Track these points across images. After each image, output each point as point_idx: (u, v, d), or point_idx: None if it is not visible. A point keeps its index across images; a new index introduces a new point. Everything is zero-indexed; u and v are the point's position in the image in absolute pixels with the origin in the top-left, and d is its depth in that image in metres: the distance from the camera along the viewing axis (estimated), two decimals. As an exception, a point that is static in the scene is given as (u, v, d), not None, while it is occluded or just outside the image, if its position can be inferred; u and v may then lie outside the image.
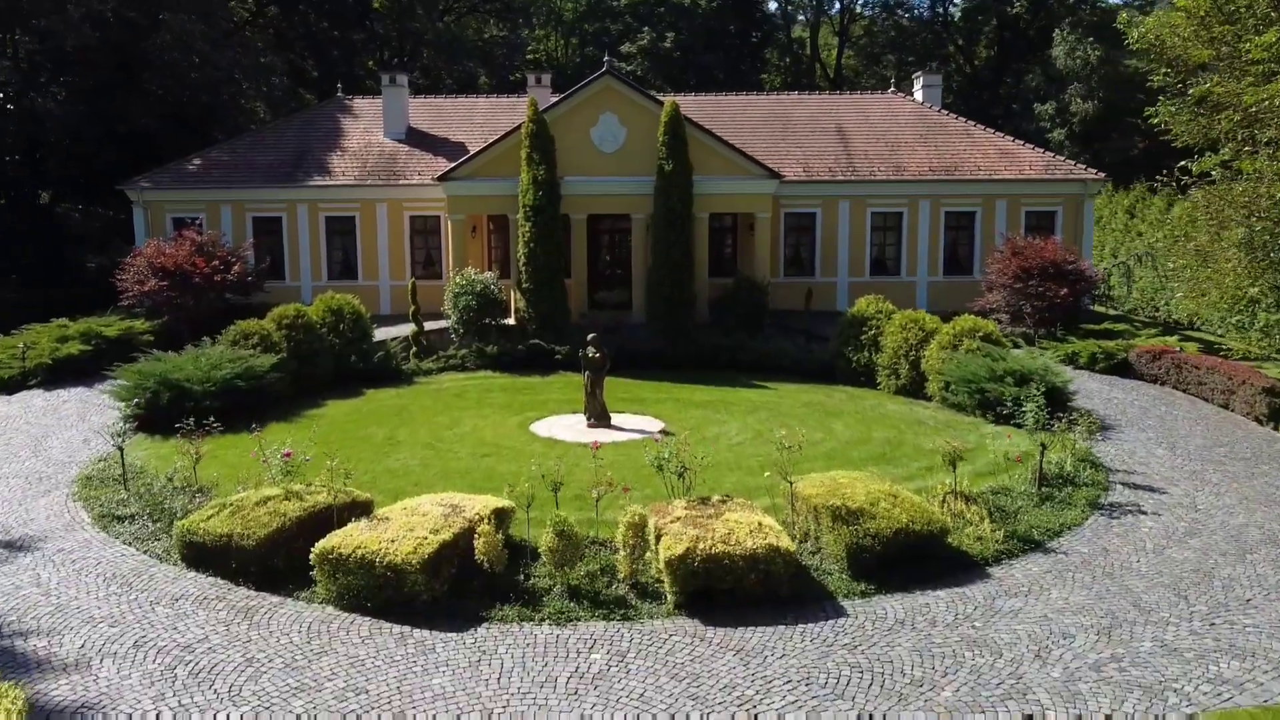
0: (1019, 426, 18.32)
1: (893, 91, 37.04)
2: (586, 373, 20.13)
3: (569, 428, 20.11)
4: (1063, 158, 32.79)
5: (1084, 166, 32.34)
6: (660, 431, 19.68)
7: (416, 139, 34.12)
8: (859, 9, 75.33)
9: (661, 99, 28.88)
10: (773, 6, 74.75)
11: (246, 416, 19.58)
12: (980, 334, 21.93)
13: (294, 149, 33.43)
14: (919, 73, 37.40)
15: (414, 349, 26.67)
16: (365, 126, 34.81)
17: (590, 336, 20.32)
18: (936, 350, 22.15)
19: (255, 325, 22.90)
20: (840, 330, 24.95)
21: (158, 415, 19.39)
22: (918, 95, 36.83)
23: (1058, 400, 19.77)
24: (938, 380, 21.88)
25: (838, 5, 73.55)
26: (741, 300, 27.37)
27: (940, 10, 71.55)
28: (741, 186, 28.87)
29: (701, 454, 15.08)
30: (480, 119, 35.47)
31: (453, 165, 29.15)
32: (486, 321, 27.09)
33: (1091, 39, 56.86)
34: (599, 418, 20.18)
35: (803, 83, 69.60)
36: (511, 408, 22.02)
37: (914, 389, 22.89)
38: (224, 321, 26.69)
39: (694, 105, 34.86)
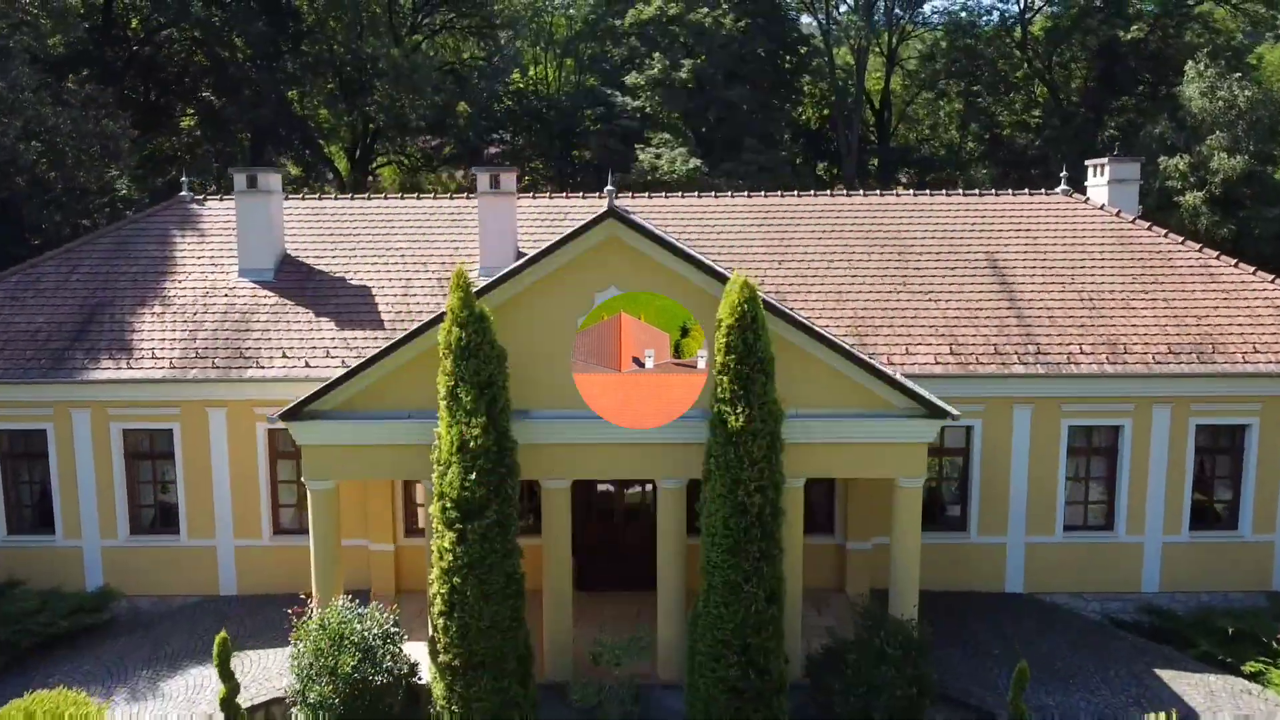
0: None
1: (1063, 191, 23.19)
2: None
3: None
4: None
5: None
6: None
7: (294, 279, 20.43)
8: (911, 26, 61.61)
9: (726, 271, 15.32)
10: (806, 21, 60.96)
11: None
12: None
13: (80, 302, 19.80)
14: (1103, 159, 23.54)
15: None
16: (213, 253, 21.16)
17: None
18: None
19: None
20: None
21: None
22: (1096, 195, 23.25)
23: None
24: None
25: (885, 19, 59.64)
26: (884, 676, 13.58)
27: (1014, 25, 57.56)
28: (875, 430, 15.04)
29: None
30: (420, 227, 21.81)
31: (313, 392, 15.25)
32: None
33: (1239, 75, 43.48)
34: None
35: (845, 114, 55.90)
36: None
37: None
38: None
39: (738, 213, 21.61)
